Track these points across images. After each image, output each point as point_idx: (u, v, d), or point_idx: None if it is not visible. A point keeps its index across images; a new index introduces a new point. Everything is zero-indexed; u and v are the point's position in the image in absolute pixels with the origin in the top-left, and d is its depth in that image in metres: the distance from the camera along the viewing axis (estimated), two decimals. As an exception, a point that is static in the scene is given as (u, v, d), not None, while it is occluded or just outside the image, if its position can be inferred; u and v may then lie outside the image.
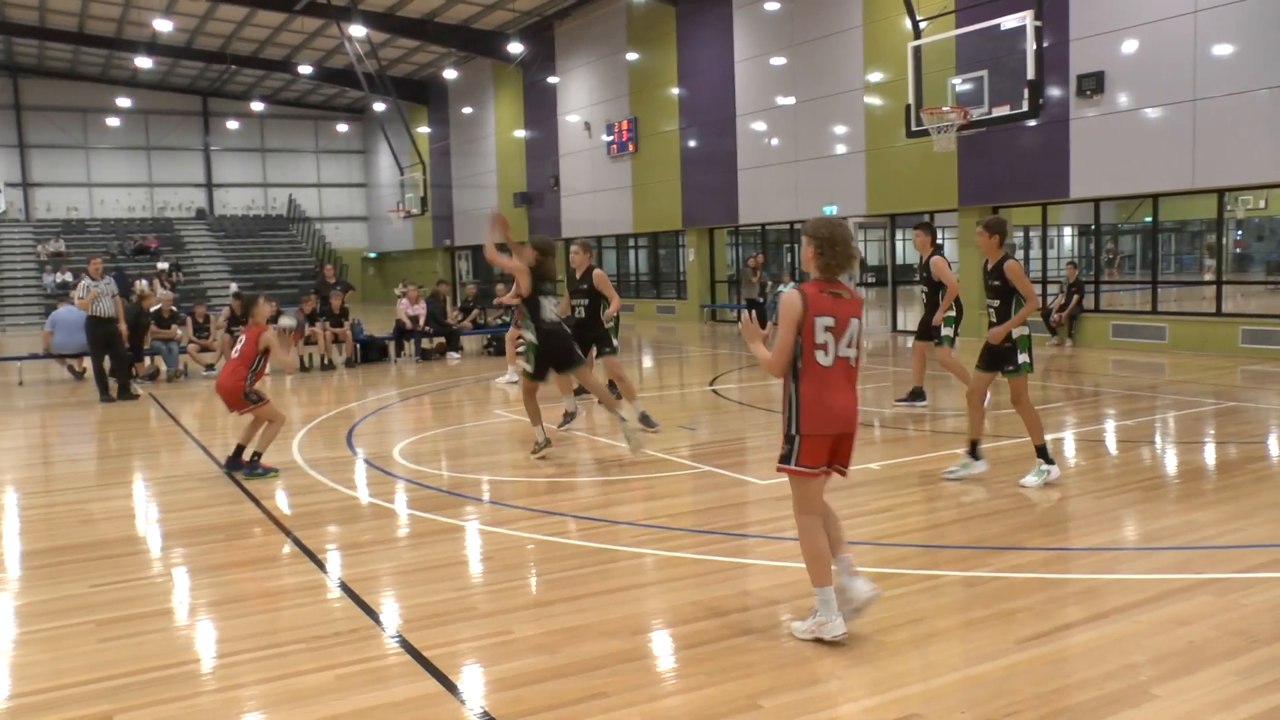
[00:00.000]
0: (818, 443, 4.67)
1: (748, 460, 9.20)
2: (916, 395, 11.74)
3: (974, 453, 7.92)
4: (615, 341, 11.29)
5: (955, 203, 20.55)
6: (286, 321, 9.60)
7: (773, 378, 4.98)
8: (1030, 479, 7.62)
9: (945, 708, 3.97)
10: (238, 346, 9.03)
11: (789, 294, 4.62)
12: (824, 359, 4.59)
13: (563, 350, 9.14)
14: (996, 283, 7.72)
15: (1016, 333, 7.64)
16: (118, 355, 14.66)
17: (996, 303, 7.76)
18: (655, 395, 14.48)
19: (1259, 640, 4.53)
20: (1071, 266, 19.51)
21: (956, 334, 11.52)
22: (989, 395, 10.92)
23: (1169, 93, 16.65)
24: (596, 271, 10.78)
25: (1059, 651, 4.50)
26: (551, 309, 9.05)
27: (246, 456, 8.93)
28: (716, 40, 26.44)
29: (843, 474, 4.87)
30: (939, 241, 12.09)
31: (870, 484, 8.06)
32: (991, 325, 7.83)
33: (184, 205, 46.70)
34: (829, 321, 4.56)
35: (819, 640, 4.65)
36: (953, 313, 11.41)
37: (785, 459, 4.74)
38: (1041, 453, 7.66)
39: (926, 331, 11.59)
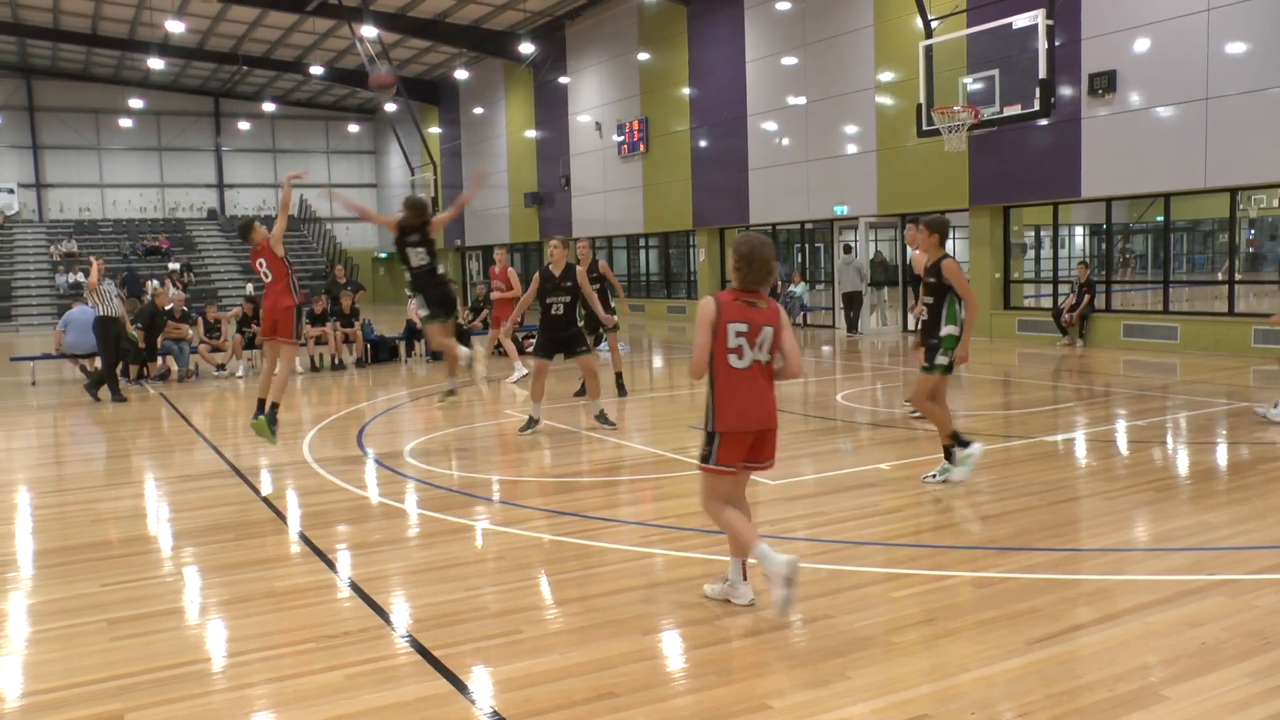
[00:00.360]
0: (735, 441, 4.96)
1: (758, 460, 9.17)
2: None
3: (950, 457, 7.84)
4: (600, 338, 12.10)
5: (966, 202, 20.51)
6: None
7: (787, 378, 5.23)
8: (930, 476, 7.77)
9: (955, 709, 3.95)
10: (264, 272, 9.40)
11: (705, 300, 4.93)
12: (737, 362, 4.90)
13: (437, 295, 10.18)
14: (932, 280, 7.68)
15: (943, 332, 7.58)
16: (115, 355, 14.75)
17: (930, 300, 7.72)
18: (666, 395, 14.48)
19: (1272, 642, 4.50)
20: (1083, 266, 19.43)
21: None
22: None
23: (1181, 92, 16.59)
24: (579, 269, 11.02)
25: (1070, 652, 4.48)
26: (418, 257, 10.01)
27: (267, 408, 9.41)
28: (728, 40, 26.42)
29: (767, 467, 5.17)
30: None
31: (880, 484, 8.04)
32: (921, 322, 7.82)
33: (195, 206, 46.90)
34: (741, 327, 4.88)
35: (728, 602, 5.09)
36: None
37: (705, 459, 5.03)
38: (950, 452, 7.71)
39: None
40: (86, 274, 14.93)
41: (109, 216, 44.67)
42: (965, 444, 7.65)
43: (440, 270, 10.16)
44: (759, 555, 4.80)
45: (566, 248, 11.02)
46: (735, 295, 4.96)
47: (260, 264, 9.43)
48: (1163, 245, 20.82)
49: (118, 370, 14.78)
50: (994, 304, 20.58)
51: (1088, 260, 21.82)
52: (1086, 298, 18.51)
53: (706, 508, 5.16)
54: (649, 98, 29.64)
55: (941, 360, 7.60)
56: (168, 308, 17.47)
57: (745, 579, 5.15)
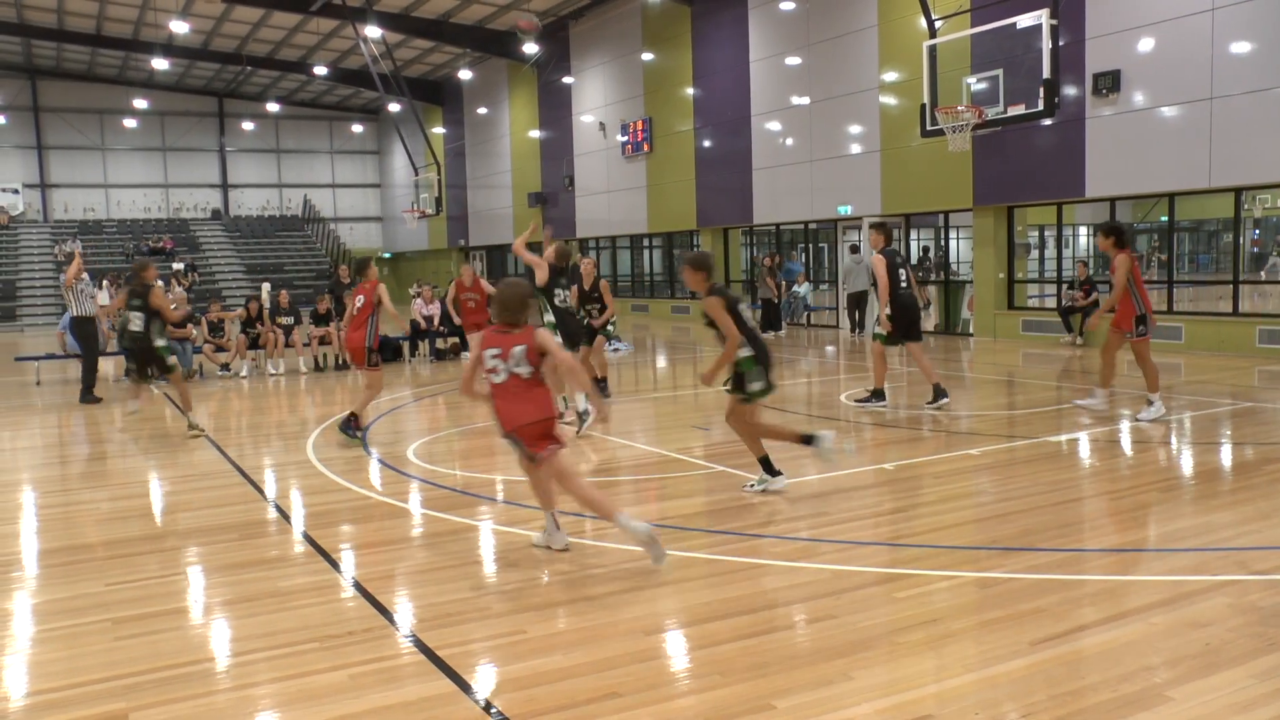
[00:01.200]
0: (523, 435, 6.00)
1: (761, 460, 9.17)
2: (938, 394, 11.52)
3: (769, 469, 7.67)
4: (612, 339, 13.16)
5: (970, 202, 20.49)
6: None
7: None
8: (755, 485, 7.66)
9: (959, 709, 3.95)
10: (355, 307, 10.48)
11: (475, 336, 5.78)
12: (496, 378, 6.03)
13: (138, 352, 11.69)
14: (708, 319, 7.51)
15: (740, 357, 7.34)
16: (92, 356, 14.77)
17: (713, 333, 7.54)
18: (670, 395, 14.47)
19: (1277, 643, 4.49)
20: (1082, 265, 19.39)
21: (892, 332, 11.37)
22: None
23: (1185, 91, 16.56)
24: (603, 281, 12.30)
25: (1074, 653, 4.47)
26: (136, 321, 11.46)
27: (352, 411, 10.41)
28: (731, 40, 26.42)
29: (541, 458, 6.04)
30: (894, 242, 11.86)
31: (884, 484, 8.04)
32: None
33: (199, 206, 46.93)
34: (495, 352, 6.01)
35: (549, 548, 6.23)
36: (888, 310, 11.28)
37: (533, 458, 6.05)
38: (765, 464, 7.63)
39: (907, 331, 11.47)
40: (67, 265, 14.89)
41: (113, 217, 44.72)
42: (776, 473, 7.66)
43: (159, 341, 11.47)
44: (622, 523, 5.79)
45: (596, 264, 11.72)
46: (494, 329, 6.10)
47: (358, 300, 10.37)
48: (1167, 245, 20.79)
49: (123, 370, 14.76)
50: (998, 304, 20.55)
51: (1087, 259, 21.73)
52: (1094, 295, 18.45)
53: (568, 487, 6.14)
54: (653, 98, 29.63)
55: (755, 387, 7.39)
56: (173, 306, 17.47)
57: (559, 528, 6.29)
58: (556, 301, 10.96)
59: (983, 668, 4.33)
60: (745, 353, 7.39)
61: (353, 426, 10.28)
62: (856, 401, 11.91)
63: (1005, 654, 4.46)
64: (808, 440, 7.64)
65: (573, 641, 4.79)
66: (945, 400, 11.40)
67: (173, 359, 11.74)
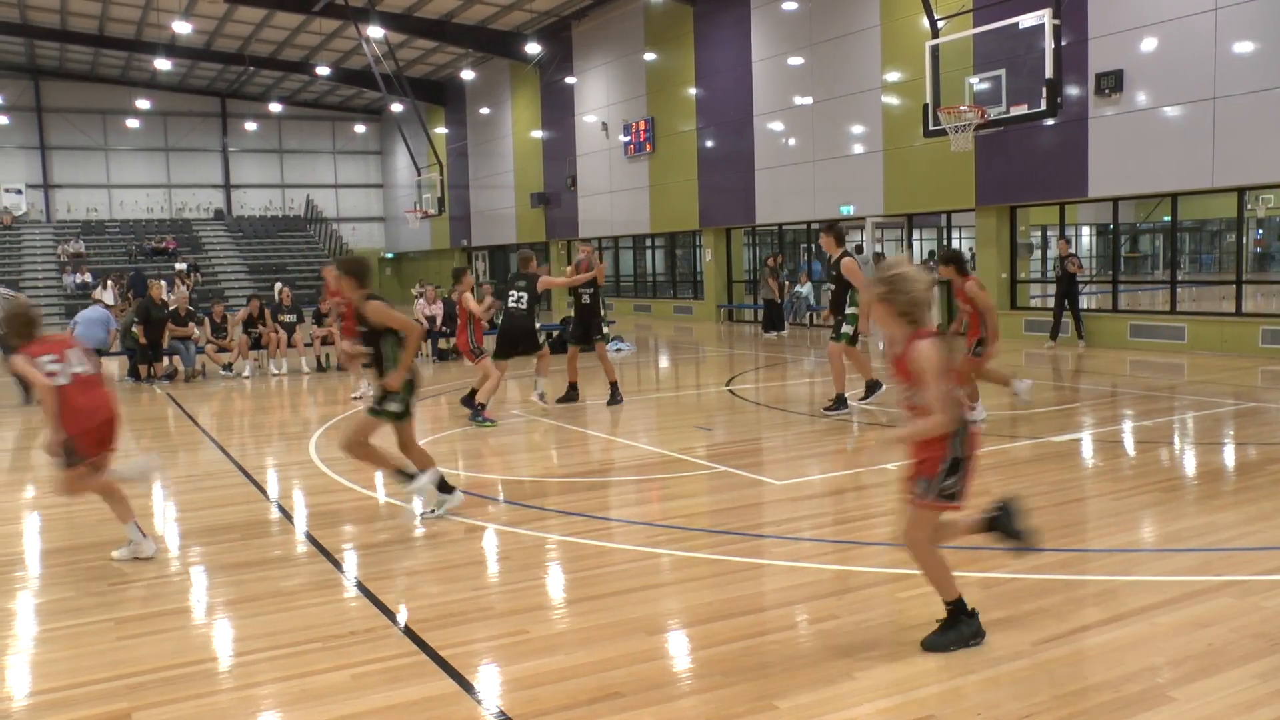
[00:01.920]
0: (85, 438, 6.12)
1: (764, 460, 9.18)
2: (841, 403, 11.42)
3: (444, 487, 7.32)
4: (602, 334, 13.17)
5: (973, 202, 20.48)
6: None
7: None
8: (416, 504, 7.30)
9: (962, 709, 3.95)
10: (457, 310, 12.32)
11: (17, 360, 6.08)
12: (61, 380, 6.08)
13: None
14: (364, 329, 7.29)
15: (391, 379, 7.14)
16: None
17: (370, 347, 7.31)
18: (672, 395, 14.47)
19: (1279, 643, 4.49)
20: (1064, 242, 19.03)
21: (858, 332, 11.28)
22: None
23: (1188, 91, 16.54)
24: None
25: (1077, 653, 4.47)
26: None
27: (477, 402, 11.40)
28: (734, 40, 26.41)
29: (110, 453, 6.30)
30: (846, 245, 11.72)
31: (886, 485, 8.03)
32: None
33: (202, 206, 46.97)
34: (52, 358, 6.12)
35: (139, 560, 6.25)
36: (853, 309, 11.21)
37: (71, 463, 6.12)
38: (406, 475, 7.24)
39: (838, 332, 11.36)
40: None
41: (116, 217, 44.75)
42: (412, 477, 7.20)
43: None
44: (129, 529, 6.30)
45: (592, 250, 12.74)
46: (33, 344, 6.15)
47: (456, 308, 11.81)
48: (1169, 245, 20.78)
49: (125, 370, 14.79)
50: (1000, 304, 20.51)
51: (1079, 256, 21.53)
52: (1079, 283, 18.18)
53: (69, 490, 6.31)
54: (655, 98, 29.64)
55: (393, 407, 7.17)
56: (172, 307, 17.49)
57: (145, 535, 6.37)
58: (509, 302, 11.89)
59: (985, 668, 4.33)
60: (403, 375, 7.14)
61: (482, 415, 11.32)
62: (860, 400, 11.67)
63: (1008, 654, 4.46)
64: (407, 476, 7.20)
65: (575, 641, 4.79)
66: (845, 410, 11.28)
67: None
